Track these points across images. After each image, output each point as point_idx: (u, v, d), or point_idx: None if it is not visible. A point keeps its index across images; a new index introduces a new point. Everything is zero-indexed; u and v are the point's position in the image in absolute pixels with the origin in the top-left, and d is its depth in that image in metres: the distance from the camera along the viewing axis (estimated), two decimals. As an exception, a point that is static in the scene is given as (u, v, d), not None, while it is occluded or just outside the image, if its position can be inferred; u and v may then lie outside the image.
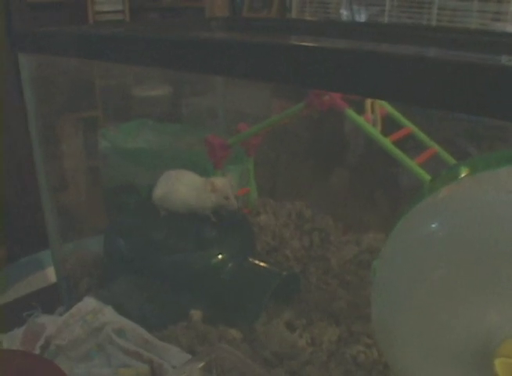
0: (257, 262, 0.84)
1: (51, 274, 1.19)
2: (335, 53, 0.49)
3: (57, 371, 0.50)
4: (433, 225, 0.55)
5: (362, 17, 2.17)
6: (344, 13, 2.18)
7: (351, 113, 0.79)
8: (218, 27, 1.08)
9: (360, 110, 0.82)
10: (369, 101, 0.81)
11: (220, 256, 0.81)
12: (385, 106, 0.85)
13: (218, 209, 0.86)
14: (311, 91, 0.81)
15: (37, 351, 0.78)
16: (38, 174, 0.95)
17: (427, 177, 0.73)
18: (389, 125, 0.86)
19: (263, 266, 0.83)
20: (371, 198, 1.06)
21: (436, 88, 0.44)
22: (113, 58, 0.74)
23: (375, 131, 0.78)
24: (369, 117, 0.80)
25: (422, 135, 0.86)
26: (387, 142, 0.77)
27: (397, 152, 0.76)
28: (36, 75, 0.89)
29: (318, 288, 0.87)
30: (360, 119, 0.79)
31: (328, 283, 0.88)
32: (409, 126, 0.86)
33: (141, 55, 0.67)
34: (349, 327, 0.79)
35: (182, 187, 0.87)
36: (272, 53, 0.54)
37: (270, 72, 0.55)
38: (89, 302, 0.83)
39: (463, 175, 0.58)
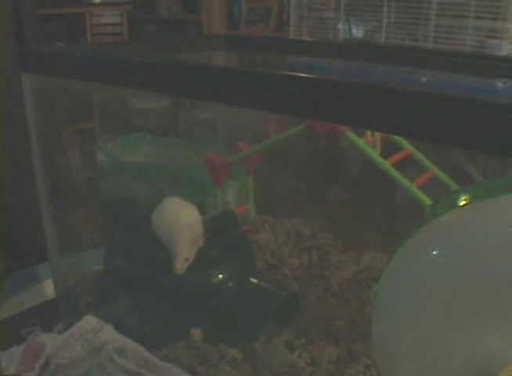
0: (257, 281, 0.84)
1: (48, 288, 1.19)
2: (337, 86, 0.50)
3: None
4: (434, 252, 0.56)
5: (359, 32, 2.19)
6: (341, 29, 2.20)
7: (351, 135, 0.80)
8: (218, 47, 1.09)
9: (360, 132, 0.83)
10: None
11: (220, 276, 0.82)
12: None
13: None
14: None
15: (36, 370, 0.78)
16: (38, 187, 0.95)
17: (427, 200, 0.74)
18: (388, 146, 0.87)
19: (263, 286, 0.84)
20: (370, 217, 1.07)
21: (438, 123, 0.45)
22: (118, 82, 0.75)
23: (375, 154, 0.79)
24: (370, 140, 0.81)
25: (421, 157, 0.87)
26: (386, 165, 0.78)
27: (396, 174, 0.77)
28: (37, 90, 0.90)
29: (317, 307, 0.88)
30: (360, 142, 0.80)
31: (327, 302, 0.89)
32: (408, 148, 0.87)
33: (144, 80, 0.68)
34: (348, 347, 0.79)
35: (160, 219, 0.87)
36: (273, 83, 0.55)
37: (270, 102, 0.56)
38: (89, 321, 0.83)
39: (463, 202, 0.60)
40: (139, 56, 0.74)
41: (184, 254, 0.80)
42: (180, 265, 0.80)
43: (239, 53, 1.06)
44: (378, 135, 0.83)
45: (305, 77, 0.52)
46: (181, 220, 0.83)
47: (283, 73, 0.53)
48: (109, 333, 0.81)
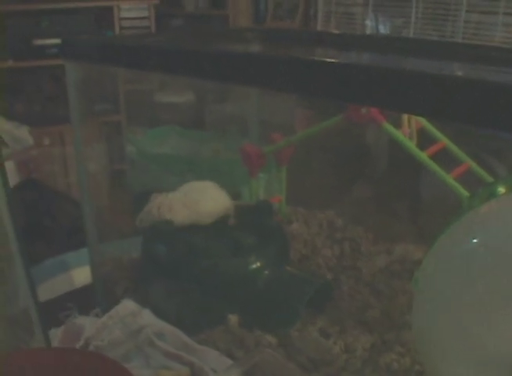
0: (292, 269, 0.86)
1: (77, 276, 1.21)
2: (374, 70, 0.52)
3: (122, 370, 0.53)
4: (473, 241, 0.57)
5: (386, 29, 2.19)
6: (369, 25, 2.20)
7: (388, 126, 0.81)
8: (249, 38, 1.11)
9: (396, 124, 0.84)
10: (406, 115, 0.83)
11: (257, 263, 0.83)
12: (420, 121, 0.87)
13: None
14: (350, 105, 0.83)
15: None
16: (79, 177, 0.97)
17: (464, 192, 0.75)
18: (422, 139, 0.88)
19: (299, 274, 0.85)
20: (401, 208, 1.08)
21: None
22: (156, 68, 0.77)
23: (412, 145, 0.80)
24: (407, 131, 0.82)
25: (456, 150, 0.88)
26: (424, 156, 0.79)
27: (434, 166, 0.78)
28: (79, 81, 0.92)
29: (350, 297, 0.89)
30: (397, 133, 0.81)
31: (360, 292, 0.90)
32: (444, 140, 0.88)
33: (183, 66, 0.70)
34: (382, 336, 0.80)
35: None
36: (313, 69, 0.57)
37: (310, 86, 0.58)
38: (128, 305, 0.85)
39: (500, 193, 0.61)
40: (187, 45, 0.76)
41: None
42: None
43: (274, 44, 1.07)
44: (414, 126, 0.84)
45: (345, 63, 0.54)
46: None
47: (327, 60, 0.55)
48: (147, 317, 0.82)
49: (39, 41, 2.63)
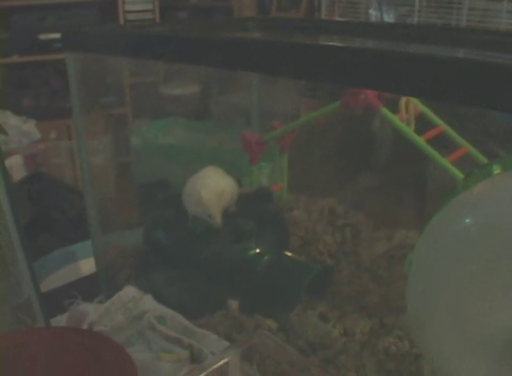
0: (292, 255, 0.86)
1: (84, 266, 1.23)
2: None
3: (117, 347, 0.54)
4: (467, 220, 0.57)
5: (390, 17, 2.18)
6: (373, 13, 2.19)
7: (386, 112, 0.81)
8: (251, 27, 1.11)
9: (394, 109, 0.84)
10: (403, 100, 0.83)
11: (257, 249, 0.84)
12: (418, 106, 0.87)
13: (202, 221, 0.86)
14: (347, 90, 0.83)
15: (80, 336, 0.82)
16: (82, 169, 0.99)
17: (460, 175, 0.75)
18: (421, 124, 0.88)
19: (298, 259, 0.86)
20: (402, 195, 1.08)
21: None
22: (157, 57, 0.78)
23: (409, 130, 0.80)
24: (404, 116, 0.82)
25: (454, 134, 0.88)
26: (421, 141, 0.79)
27: (431, 150, 0.78)
28: (80, 72, 0.93)
29: (350, 282, 0.90)
30: (395, 118, 0.81)
31: (360, 277, 0.91)
32: (442, 125, 0.88)
33: (187, 54, 0.71)
34: (381, 320, 0.81)
35: (187, 188, 0.89)
36: (313, 53, 0.57)
37: (309, 71, 0.58)
38: (130, 291, 0.86)
39: (495, 173, 0.60)
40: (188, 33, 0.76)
41: (216, 209, 0.82)
42: (219, 220, 0.82)
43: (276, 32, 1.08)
44: (412, 111, 0.84)
45: (341, 47, 0.54)
46: (206, 181, 0.86)
47: (323, 44, 0.55)
48: (149, 302, 0.84)
49: (44, 36, 2.64)
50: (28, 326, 0.74)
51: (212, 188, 0.85)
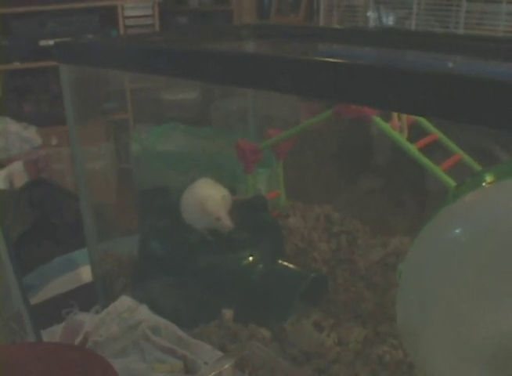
0: (286, 263, 0.87)
1: (84, 273, 1.23)
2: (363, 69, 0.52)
3: (106, 365, 0.54)
4: (457, 231, 0.57)
5: (389, 20, 2.18)
6: (372, 16, 2.19)
7: (378, 120, 0.81)
8: (248, 36, 1.11)
9: (388, 117, 0.84)
10: (396, 108, 0.83)
11: (251, 258, 0.84)
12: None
13: (213, 229, 0.85)
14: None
15: (76, 347, 0.82)
16: (77, 177, 0.99)
17: (452, 183, 0.75)
18: (416, 132, 0.88)
19: (292, 268, 0.86)
20: (398, 202, 1.08)
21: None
22: (152, 71, 0.78)
23: (401, 138, 0.80)
24: (396, 124, 0.82)
25: (448, 142, 0.88)
26: (413, 149, 0.79)
27: (423, 158, 0.78)
28: (73, 81, 0.93)
29: (345, 290, 0.90)
30: (387, 126, 0.81)
31: (355, 285, 0.91)
32: (435, 132, 0.88)
33: (179, 68, 0.71)
34: (375, 328, 0.81)
35: (183, 202, 0.89)
36: (301, 68, 0.57)
37: (299, 86, 0.58)
38: (125, 301, 0.87)
39: (487, 182, 0.60)
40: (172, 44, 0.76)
41: (224, 211, 0.83)
42: (228, 221, 0.83)
43: (270, 42, 1.08)
44: (405, 119, 0.84)
45: (331, 62, 0.54)
46: (209, 192, 0.86)
47: (313, 58, 0.55)
48: (144, 312, 0.84)
49: (45, 42, 2.66)
50: (21, 336, 0.74)
51: (213, 194, 0.86)
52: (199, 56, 0.68)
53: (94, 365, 0.54)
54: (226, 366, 0.64)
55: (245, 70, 0.63)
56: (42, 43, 2.68)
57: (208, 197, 0.85)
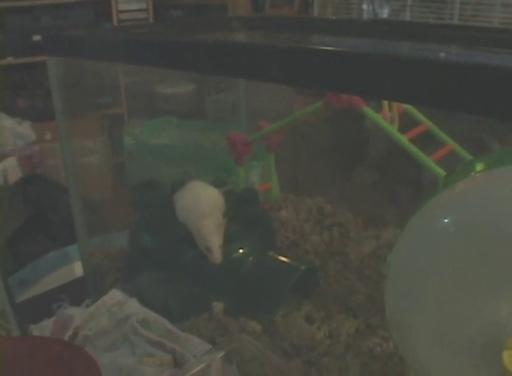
0: (277, 256, 0.86)
1: (78, 268, 1.23)
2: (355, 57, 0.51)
3: (89, 359, 0.54)
4: (446, 220, 0.56)
5: (383, 13, 2.17)
6: (366, 9, 2.18)
7: (368, 111, 0.81)
8: (241, 27, 1.10)
9: (379, 108, 0.84)
10: (386, 99, 0.82)
11: (241, 250, 0.84)
12: (402, 104, 0.86)
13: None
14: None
15: (65, 341, 0.82)
16: (67, 171, 0.98)
17: (441, 171, 0.74)
18: (408, 122, 0.87)
19: (282, 260, 0.85)
20: (390, 194, 1.08)
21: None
22: (142, 61, 0.77)
23: (392, 129, 0.80)
24: (387, 115, 0.81)
25: (439, 133, 0.87)
26: (403, 140, 0.79)
27: (413, 149, 0.78)
28: (62, 74, 0.93)
29: (337, 282, 0.89)
30: (377, 117, 0.80)
31: (347, 277, 0.90)
32: (427, 123, 0.87)
33: (170, 58, 0.70)
34: (367, 321, 0.81)
35: (179, 209, 0.87)
36: (293, 57, 0.56)
37: (292, 75, 0.57)
38: (115, 295, 0.86)
39: (477, 171, 0.60)
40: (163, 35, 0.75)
41: (216, 243, 0.81)
42: (217, 255, 0.81)
43: (262, 33, 1.07)
44: (396, 110, 0.84)
45: (322, 50, 0.53)
46: (204, 209, 0.83)
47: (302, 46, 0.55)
48: (134, 306, 0.83)
49: (38, 37, 2.64)
50: (8, 331, 0.73)
51: (212, 220, 0.83)
52: (188, 46, 0.68)
53: (76, 358, 0.53)
54: (215, 359, 0.64)
55: (234, 60, 0.62)
56: (36, 38, 2.67)
57: (206, 222, 0.82)
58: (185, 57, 0.68)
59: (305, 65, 0.55)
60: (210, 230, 0.82)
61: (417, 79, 0.48)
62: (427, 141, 0.88)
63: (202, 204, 0.84)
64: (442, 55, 0.81)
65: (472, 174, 0.60)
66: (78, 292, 1.06)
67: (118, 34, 0.95)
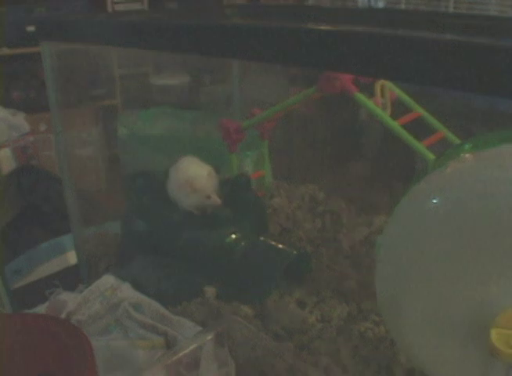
0: (269, 241, 0.86)
1: (71, 258, 1.23)
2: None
3: (81, 336, 0.54)
4: (435, 201, 0.56)
5: (378, 4, 2.17)
6: (361, 0, 2.18)
7: (360, 96, 0.81)
8: (235, 14, 1.10)
9: (370, 94, 0.84)
10: (378, 84, 0.82)
11: (233, 235, 0.84)
12: (394, 90, 0.87)
13: (202, 207, 0.86)
14: (322, 75, 0.83)
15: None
16: (60, 161, 0.98)
17: (430, 155, 0.75)
18: (401, 109, 0.88)
19: (275, 246, 0.86)
20: (384, 181, 1.08)
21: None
22: (136, 44, 0.76)
23: (384, 115, 0.80)
24: (379, 101, 0.82)
25: (431, 119, 0.88)
26: (395, 125, 0.79)
27: (405, 134, 0.78)
28: (57, 66, 0.93)
29: (329, 268, 0.90)
30: (369, 103, 0.81)
31: (339, 263, 0.90)
32: (418, 110, 0.87)
33: (165, 41, 0.70)
34: (358, 305, 0.81)
35: (171, 182, 0.89)
36: (288, 36, 0.56)
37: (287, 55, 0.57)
38: (108, 279, 0.86)
39: (465, 153, 0.60)
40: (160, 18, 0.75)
41: (212, 188, 0.84)
42: (216, 198, 0.84)
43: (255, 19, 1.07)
44: (388, 96, 0.84)
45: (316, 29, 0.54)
46: (196, 169, 0.87)
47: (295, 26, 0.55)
48: (127, 290, 0.84)
49: (32, 28, 2.63)
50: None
51: (200, 173, 0.86)
52: (181, 28, 0.67)
53: (66, 333, 0.54)
54: (206, 340, 0.64)
55: (230, 41, 0.62)
56: (30, 29, 2.65)
57: (196, 176, 0.85)
58: (177, 39, 0.68)
59: (299, 44, 0.55)
60: (204, 180, 0.85)
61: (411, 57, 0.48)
62: (419, 129, 0.88)
63: (194, 166, 0.88)
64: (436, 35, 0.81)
65: (461, 155, 0.60)
66: (72, 279, 1.06)
67: (116, 17, 0.95)
